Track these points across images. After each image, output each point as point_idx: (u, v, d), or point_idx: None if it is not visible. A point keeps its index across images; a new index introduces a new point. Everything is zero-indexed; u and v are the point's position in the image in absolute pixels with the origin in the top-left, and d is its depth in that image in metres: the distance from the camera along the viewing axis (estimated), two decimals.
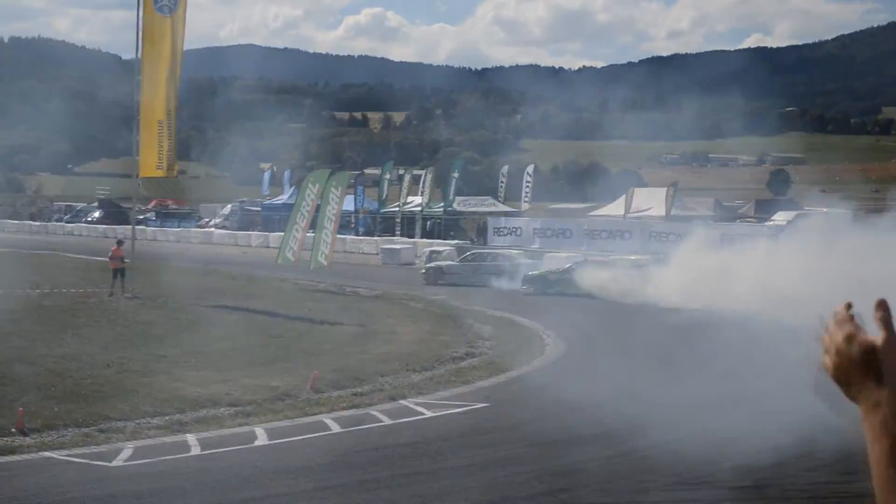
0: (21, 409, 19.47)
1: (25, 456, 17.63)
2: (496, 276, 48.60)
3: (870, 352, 2.63)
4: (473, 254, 52.34)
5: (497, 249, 55.84)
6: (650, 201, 68.37)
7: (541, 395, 23.93)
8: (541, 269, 48.97)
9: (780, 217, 62.36)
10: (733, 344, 26.44)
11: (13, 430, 18.83)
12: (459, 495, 15.38)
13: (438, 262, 53.23)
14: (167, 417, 20.55)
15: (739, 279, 37.51)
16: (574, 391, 24.01)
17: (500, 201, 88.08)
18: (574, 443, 18.70)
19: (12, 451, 17.80)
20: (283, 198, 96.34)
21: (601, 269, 45.65)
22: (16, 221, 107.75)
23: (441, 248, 60.84)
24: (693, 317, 32.55)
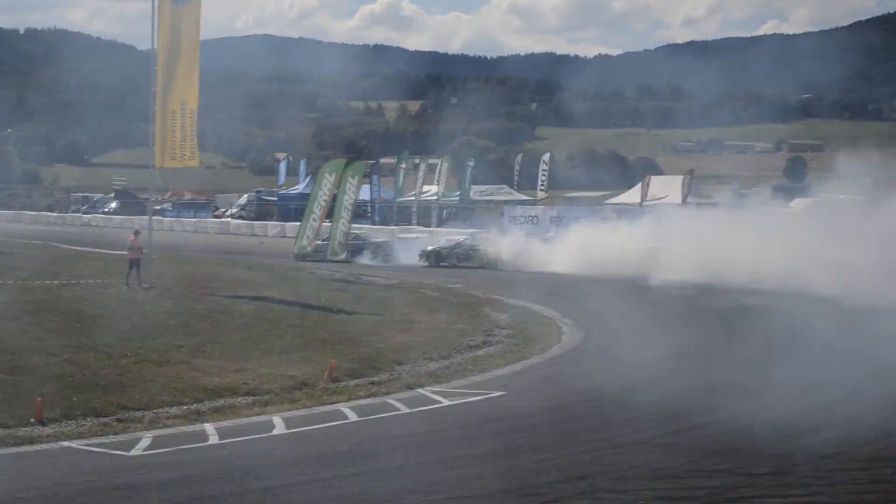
0: (40, 399, 19.54)
1: (45, 446, 17.71)
2: (357, 253, 54.49)
3: None
4: None
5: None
6: (667, 189, 68.26)
7: (558, 382, 23.95)
8: (435, 246, 56.64)
9: (797, 204, 62.10)
10: None
11: (32, 420, 18.91)
12: (477, 483, 15.38)
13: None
14: (185, 407, 20.61)
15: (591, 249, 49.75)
16: (590, 379, 24.06)
17: (515, 190, 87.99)
18: (591, 431, 18.70)
19: (31, 441, 17.88)
20: (299, 187, 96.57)
21: (495, 244, 54.40)
22: (33, 212, 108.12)
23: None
24: None
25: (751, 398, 21.39)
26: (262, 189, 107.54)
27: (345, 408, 20.96)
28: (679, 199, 64.38)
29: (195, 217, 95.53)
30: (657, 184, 71.07)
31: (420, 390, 22.87)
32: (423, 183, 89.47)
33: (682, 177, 69.33)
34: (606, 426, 19.02)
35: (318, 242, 51.37)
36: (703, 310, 36.01)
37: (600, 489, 15.06)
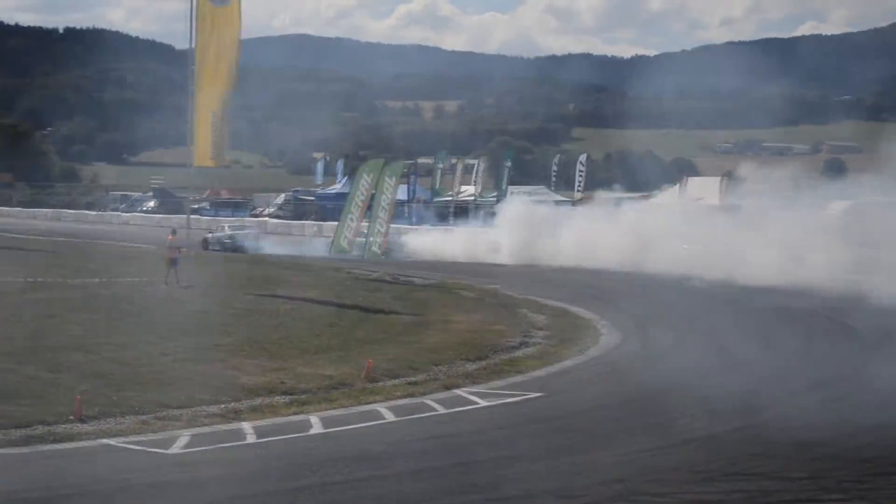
0: (79, 396, 19.65)
1: (84, 443, 17.80)
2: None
3: None
4: None
5: None
6: (704, 190, 67.95)
7: (596, 384, 23.90)
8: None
9: (835, 206, 61.70)
10: None
11: (72, 417, 19.01)
12: (514, 485, 15.36)
13: None
14: (223, 405, 20.68)
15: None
16: (629, 381, 24.01)
17: (553, 190, 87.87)
18: (629, 433, 18.66)
19: (71, 439, 17.98)
20: (337, 187, 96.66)
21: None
22: (73, 211, 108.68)
23: None
24: None
25: (791, 400, 21.33)
26: (299, 188, 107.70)
27: (382, 408, 20.97)
28: (717, 201, 64.05)
29: (233, 216, 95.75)
30: (694, 185, 70.78)
31: (457, 391, 22.85)
32: (461, 183, 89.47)
33: (719, 178, 69.02)
34: (645, 428, 18.98)
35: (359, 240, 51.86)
36: (744, 311, 35.84)
37: (638, 492, 15.02)
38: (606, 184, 79.25)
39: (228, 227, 68.75)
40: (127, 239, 68.31)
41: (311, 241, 68.44)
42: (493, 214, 65.48)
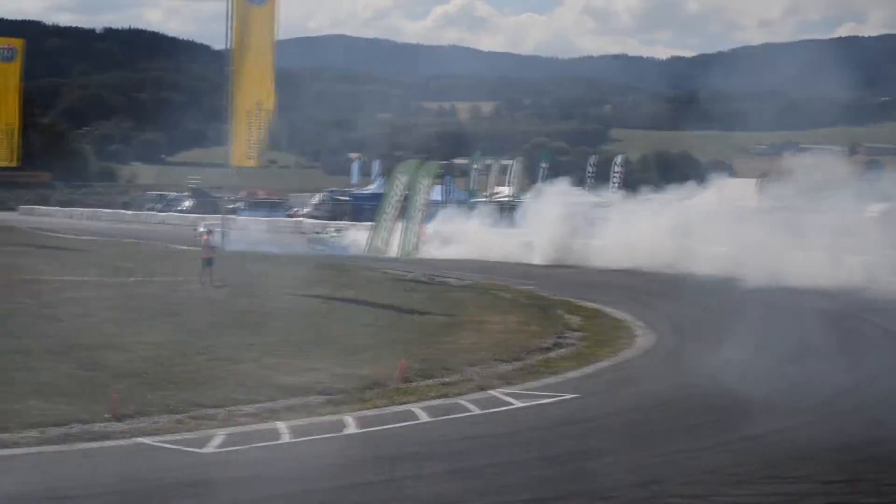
0: (115, 395, 19.74)
1: (119, 442, 17.85)
2: None
3: None
4: None
5: None
6: (740, 192, 67.65)
7: (631, 385, 23.83)
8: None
9: (874, 208, 61.34)
10: None
11: (108, 416, 19.08)
12: (548, 486, 15.33)
13: None
14: (258, 405, 20.70)
15: None
16: (664, 382, 23.94)
17: (588, 192, 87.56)
18: (664, 434, 18.59)
19: (107, 437, 18.04)
20: (372, 187, 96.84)
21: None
22: (110, 210, 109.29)
23: None
24: None
25: (830, 403, 21.23)
26: (335, 189, 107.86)
27: (416, 408, 20.95)
28: (754, 203, 63.77)
29: (268, 216, 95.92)
30: (731, 187, 70.47)
31: (491, 392, 22.81)
32: (496, 184, 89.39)
33: (755, 179, 68.77)
34: (680, 430, 18.91)
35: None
36: (782, 312, 35.67)
37: (673, 494, 14.97)
38: (643, 184, 78.87)
39: (335, 228, 70.17)
40: (162, 238, 68.60)
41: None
42: (523, 214, 65.44)
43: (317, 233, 68.31)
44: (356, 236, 62.34)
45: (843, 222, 45.16)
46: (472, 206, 71.52)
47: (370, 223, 63.37)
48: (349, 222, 75.59)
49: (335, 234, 67.33)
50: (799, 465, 16.51)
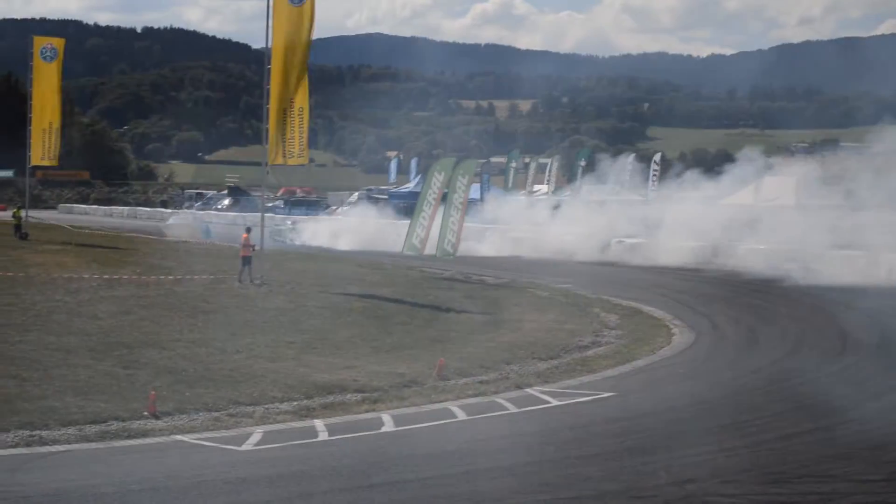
0: (153, 392, 19.85)
1: (158, 439, 17.95)
2: None
3: None
4: None
5: None
6: (780, 190, 67.33)
7: (668, 384, 23.74)
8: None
9: None
10: None
11: (146, 413, 19.18)
12: (585, 484, 15.30)
13: None
14: (295, 403, 20.77)
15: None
16: (701, 381, 23.85)
17: (626, 189, 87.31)
18: (701, 433, 18.51)
19: (145, 434, 18.14)
20: (410, 186, 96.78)
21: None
22: (148, 208, 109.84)
23: None
24: None
25: (869, 402, 21.10)
26: (372, 187, 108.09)
27: (453, 406, 20.97)
28: (793, 201, 63.46)
29: (306, 214, 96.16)
30: (770, 185, 70.10)
31: (528, 390, 22.80)
32: (534, 182, 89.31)
33: (795, 178, 68.31)
34: (718, 429, 18.82)
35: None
36: (819, 310, 35.52)
37: (710, 493, 14.89)
38: (681, 183, 78.66)
39: (291, 222, 72.65)
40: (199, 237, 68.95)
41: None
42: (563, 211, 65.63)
43: (277, 226, 69.12)
44: (315, 228, 63.81)
45: (882, 220, 44.97)
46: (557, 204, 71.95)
47: (326, 216, 64.31)
48: (306, 216, 77.35)
49: (292, 227, 69.81)
50: (836, 465, 16.40)
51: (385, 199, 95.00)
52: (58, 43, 64.90)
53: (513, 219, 65.10)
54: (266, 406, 20.37)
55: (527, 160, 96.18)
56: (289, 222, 72.09)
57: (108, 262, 47.64)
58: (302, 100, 40.45)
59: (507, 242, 59.62)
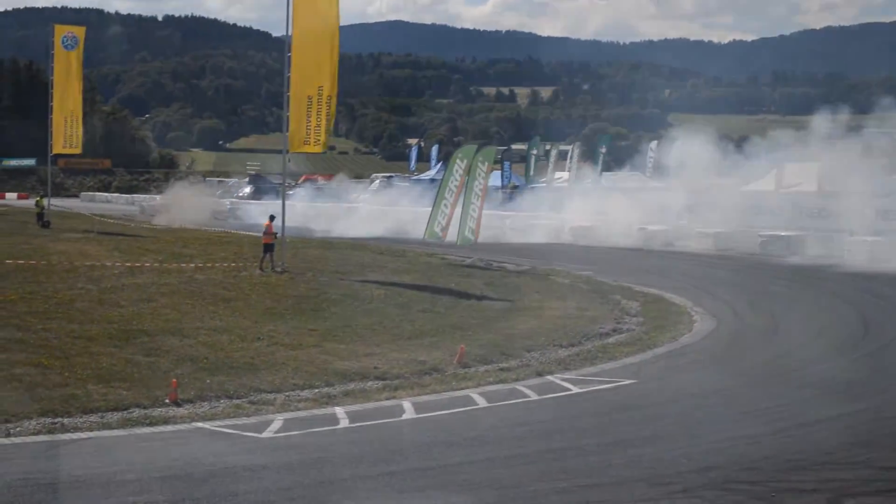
0: (175, 380, 19.91)
1: (179, 426, 17.98)
2: None
3: None
4: None
5: None
6: (801, 177, 67.10)
7: (689, 371, 23.70)
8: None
9: None
10: None
11: (167, 400, 19.24)
12: (606, 472, 15.30)
13: None
14: (316, 390, 20.79)
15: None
16: (722, 368, 23.80)
17: (648, 176, 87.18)
18: (722, 420, 18.49)
19: (166, 422, 18.18)
20: (431, 173, 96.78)
21: None
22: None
23: None
24: None
25: (891, 388, 21.06)
26: (393, 174, 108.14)
27: (474, 393, 20.96)
28: (815, 188, 63.26)
29: (328, 202, 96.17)
30: (792, 171, 69.84)
31: (549, 377, 22.78)
32: (555, 169, 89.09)
33: (817, 164, 68.03)
34: (739, 416, 18.79)
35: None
36: (841, 297, 35.42)
37: (731, 480, 14.87)
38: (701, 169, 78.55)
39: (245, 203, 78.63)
40: (221, 224, 69.08)
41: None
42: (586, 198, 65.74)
43: (230, 208, 74.71)
44: (266, 210, 64.63)
45: None
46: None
47: (276, 200, 64.88)
48: (257, 200, 79.58)
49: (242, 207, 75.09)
50: (859, 451, 16.37)
51: (406, 185, 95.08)
52: (79, 31, 65.06)
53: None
54: (287, 393, 20.41)
55: (548, 147, 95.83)
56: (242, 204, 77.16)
57: (129, 249, 47.79)
58: (331, 87, 40.41)
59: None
